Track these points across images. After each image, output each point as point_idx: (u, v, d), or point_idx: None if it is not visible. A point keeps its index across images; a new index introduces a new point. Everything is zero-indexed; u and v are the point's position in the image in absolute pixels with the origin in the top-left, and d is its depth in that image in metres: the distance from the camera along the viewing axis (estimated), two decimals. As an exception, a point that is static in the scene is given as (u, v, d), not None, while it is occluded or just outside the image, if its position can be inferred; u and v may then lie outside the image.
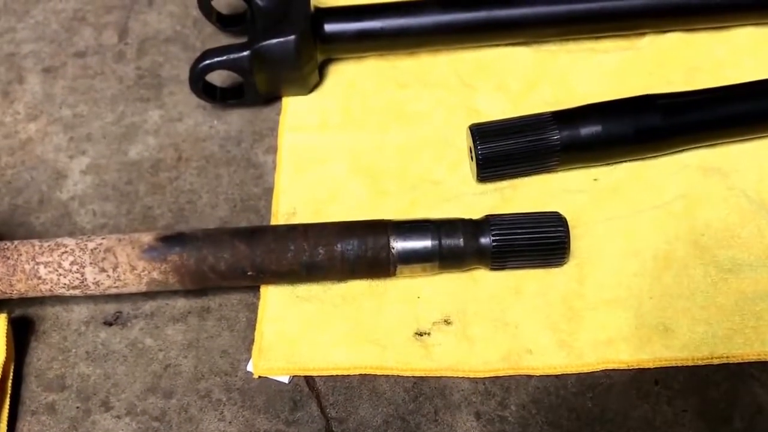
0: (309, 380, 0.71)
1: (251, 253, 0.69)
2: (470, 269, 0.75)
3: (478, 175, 0.79)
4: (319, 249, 0.70)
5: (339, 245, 0.70)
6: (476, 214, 0.76)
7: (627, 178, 0.81)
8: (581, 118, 0.79)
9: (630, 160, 0.82)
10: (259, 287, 0.76)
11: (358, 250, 0.70)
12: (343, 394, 0.70)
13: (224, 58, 0.83)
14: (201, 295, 0.76)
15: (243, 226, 0.79)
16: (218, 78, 0.88)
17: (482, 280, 0.75)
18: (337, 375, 0.72)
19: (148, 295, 0.76)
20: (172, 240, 0.70)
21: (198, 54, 0.84)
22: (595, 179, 0.81)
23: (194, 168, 0.85)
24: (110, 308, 0.76)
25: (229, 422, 0.69)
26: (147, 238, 0.71)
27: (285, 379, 0.71)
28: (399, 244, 0.70)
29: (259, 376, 0.72)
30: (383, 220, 0.72)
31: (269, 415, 0.70)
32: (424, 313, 0.74)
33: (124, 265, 0.70)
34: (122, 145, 0.87)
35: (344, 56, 0.90)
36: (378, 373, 0.71)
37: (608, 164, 0.82)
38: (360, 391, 0.70)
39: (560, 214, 0.73)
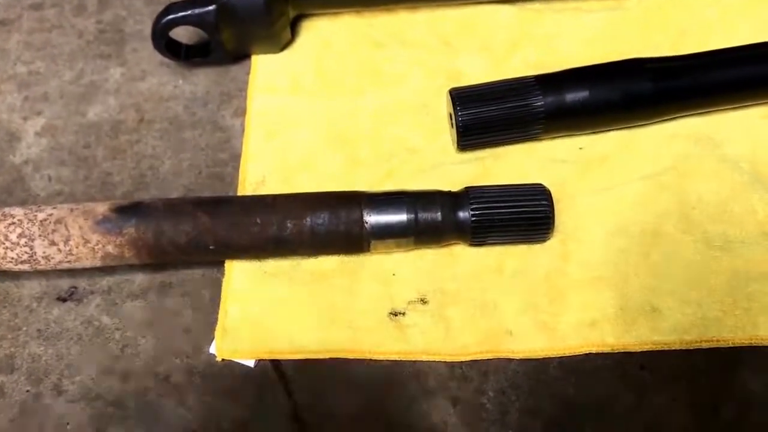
0: (276, 364, 0.67)
1: (214, 226, 0.65)
2: (449, 245, 0.70)
3: (458, 144, 0.75)
4: (287, 222, 0.66)
5: (309, 219, 0.66)
6: (456, 186, 0.71)
7: (614, 147, 0.76)
8: (566, 82, 0.74)
9: (618, 129, 0.77)
10: (224, 262, 0.71)
11: (329, 224, 0.66)
12: (313, 379, 0.67)
13: (189, 12, 0.78)
14: (162, 270, 0.72)
15: (206, 195, 0.74)
16: (184, 34, 0.82)
17: (461, 256, 0.71)
18: (307, 359, 0.68)
19: (105, 269, 0.71)
20: (128, 211, 0.65)
21: (162, 8, 0.78)
22: (581, 148, 0.77)
23: (157, 131, 0.80)
24: (64, 283, 0.72)
25: (190, 408, 0.66)
26: (101, 208, 0.66)
27: (250, 363, 0.67)
28: (373, 218, 0.66)
29: (223, 359, 0.68)
30: (356, 192, 0.68)
31: (233, 402, 0.66)
32: (400, 291, 0.70)
33: (77, 238, 0.65)
34: (80, 106, 0.82)
35: (318, 12, 0.85)
36: (350, 357, 0.67)
37: (595, 132, 0.77)
38: (331, 376, 0.67)
39: (544, 187, 0.69)
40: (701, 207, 0.73)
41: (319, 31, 0.86)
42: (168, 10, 0.78)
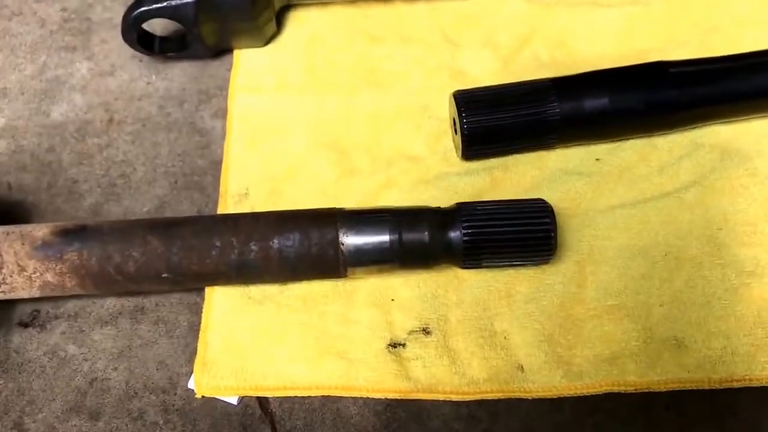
0: (262, 401, 0.61)
1: (167, 251, 0.58)
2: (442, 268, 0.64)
3: (462, 152, 0.68)
4: (251, 245, 0.59)
5: (276, 240, 0.59)
6: (460, 198, 0.66)
7: (634, 158, 0.70)
8: (585, 87, 0.68)
9: (637, 137, 0.70)
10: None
11: (299, 247, 0.59)
12: (302, 418, 0.60)
13: (164, 5, 0.70)
14: (133, 294, 0.64)
15: (160, 216, 0.67)
16: (159, 24, 0.74)
17: (467, 280, 0.65)
18: (296, 396, 0.61)
19: None
20: (70, 234, 0.58)
21: (133, -3, 0.70)
22: (598, 159, 0.70)
23: (128, 133, 0.72)
24: (26, 306, 0.64)
25: (166, 452, 0.58)
26: (41, 231, 0.59)
27: (233, 400, 0.61)
28: (350, 240, 0.59)
29: (203, 396, 0.61)
30: (331, 209, 0.61)
31: (214, 445, 0.59)
32: (399, 319, 0.63)
33: (11, 265, 0.58)
34: (43, 104, 0.74)
35: (306, 1, 0.77)
36: (344, 394, 0.61)
37: (613, 141, 0.70)
38: (322, 415, 0.60)
39: (545, 202, 0.62)
40: (729, 227, 0.66)
41: (308, 23, 0.79)
42: (140, 0, 0.70)
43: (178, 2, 0.70)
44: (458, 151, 0.69)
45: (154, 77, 0.75)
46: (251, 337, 0.63)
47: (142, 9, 0.70)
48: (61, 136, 0.72)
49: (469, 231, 0.60)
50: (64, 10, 0.80)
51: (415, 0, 0.79)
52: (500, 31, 0.78)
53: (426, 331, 0.63)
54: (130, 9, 0.70)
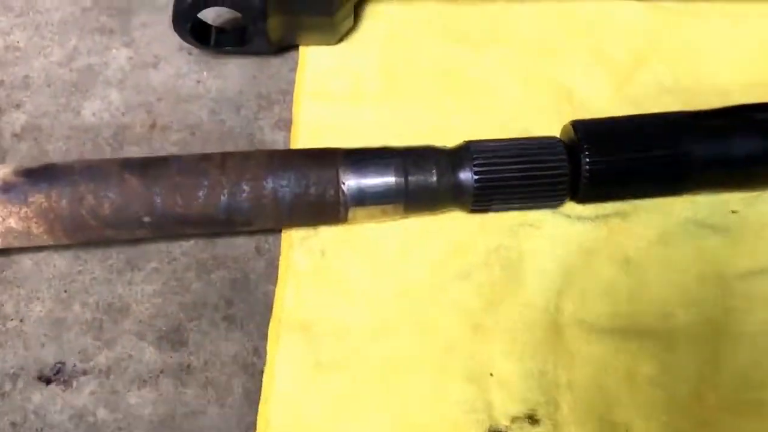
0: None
1: (147, 191, 0.52)
2: (559, 332, 0.54)
3: (579, 194, 0.57)
4: (242, 185, 0.53)
5: (269, 180, 0.53)
6: (569, 251, 0.57)
7: (777, 211, 0.58)
8: (733, 125, 0.57)
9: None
10: (262, 338, 0.54)
11: (295, 187, 0.53)
12: None
13: (227, -10, 0.57)
14: (178, 345, 0.53)
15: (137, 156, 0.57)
16: (210, 12, 0.62)
17: (579, 354, 0.54)
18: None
19: (103, 339, 0.54)
20: (36, 174, 0.52)
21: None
22: (734, 211, 0.59)
23: (174, 143, 0.61)
24: (48, 354, 0.53)
25: None
26: (2, 171, 0.52)
27: (301, 494, 0.49)
28: (352, 180, 0.54)
29: (264, 486, 0.49)
30: (330, 149, 0.56)
31: None
32: (500, 400, 0.53)
33: None
34: (73, 99, 0.62)
35: (389, -6, 0.65)
36: (432, 493, 0.49)
37: (752, 190, 0.59)
38: None
39: (559, 140, 0.57)
40: None
41: (388, 18, 0.67)
42: (198, -17, 0.58)
43: (244, -11, 0.57)
44: (569, 189, 0.57)
45: (205, 74, 0.63)
46: (321, 413, 0.52)
47: (200, -5, 0.57)
48: (94, 141, 0.61)
49: (481, 171, 0.55)
50: (99, -17, 0.67)
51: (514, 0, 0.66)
52: (614, 44, 0.66)
53: (533, 420, 0.52)
54: (185, -7, 0.58)
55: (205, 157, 0.53)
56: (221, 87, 0.63)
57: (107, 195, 0.51)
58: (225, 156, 0.53)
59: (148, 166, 0.53)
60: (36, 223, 0.51)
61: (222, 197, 0.52)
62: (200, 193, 0.52)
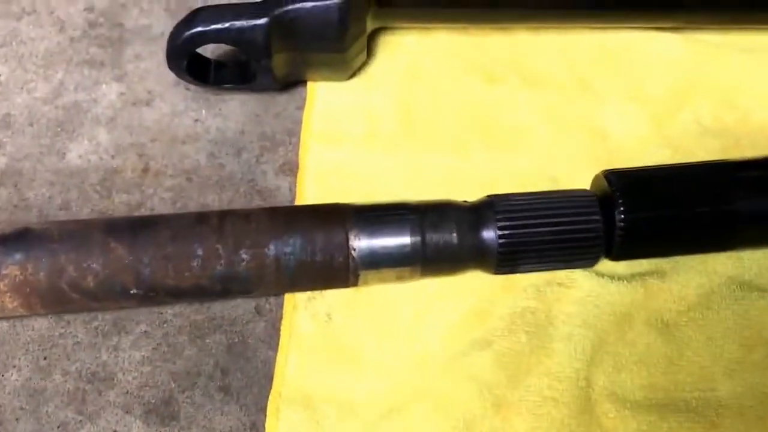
0: None
1: (135, 261, 0.47)
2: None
3: (613, 251, 0.52)
4: (241, 253, 0.48)
5: (272, 247, 0.48)
6: (601, 313, 0.51)
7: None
8: None
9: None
10: (261, 412, 0.49)
11: (301, 254, 0.48)
12: None
13: (226, 25, 0.53)
14: (168, 419, 0.49)
15: (122, 216, 0.53)
16: (212, 46, 0.57)
17: (612, 428, 0.49)
18: None
19: (85, 413, 0.49)
20: (10, 241, 0.47)
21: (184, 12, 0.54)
22: (783, 267, 0.52)
23: (168, 189, 0.55)
24: (24, 430, 0.48)
25: None
26: None
27: None
28: (363, 243, 0.49)
29: None
30: (339, 205, 0.51)
31: None
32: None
33: None
34: (58, 140, 0.57)
35: (406, 24, 0.59)
36: None
37: (803, 246, 0.53)
38: None
39: (592, 193, 0.52)
40: None
41: (406, 51, 0.62)
42: (195, 18, 0.53)
43: (245, 24, 0.52)
44: (603, 247, 0.52)
45: (204, 112, 0.58)
46: None
47: (197, 30, 0.53)
48: (80, 187, 0.56)
49: (506, 231, 0.50)
50: (89, 10, 0.62)
51: (541, 30, 0.61)
52: (651, 80, 0.61)
53: None
54: (180, 29, 0.53)
55: (201, 219, 0.48)
56: (221, 127, 0.58)
57: (90, 266, 0.47)
58: (223, 217, 0.48)
59: (136, 232, 0.47)
60: (10, 297, 0.46)
61: (218, 267, 0.47)
62: (194, 264, 0.47)
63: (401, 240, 0.49)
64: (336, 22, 0.53)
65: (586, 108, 0.60)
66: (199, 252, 0.47)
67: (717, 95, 0.60)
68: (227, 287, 0.48)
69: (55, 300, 0.47)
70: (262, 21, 0.53)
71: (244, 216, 0.49)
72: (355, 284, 0.50)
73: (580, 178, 0.55)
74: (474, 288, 0.53)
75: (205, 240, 0.47)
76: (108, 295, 0.47)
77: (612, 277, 0.53)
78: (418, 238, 0.49)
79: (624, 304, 0.52)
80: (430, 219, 0.50)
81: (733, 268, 0.54)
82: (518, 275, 0.53)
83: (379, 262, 0.49)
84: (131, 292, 0.47)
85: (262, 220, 0.48)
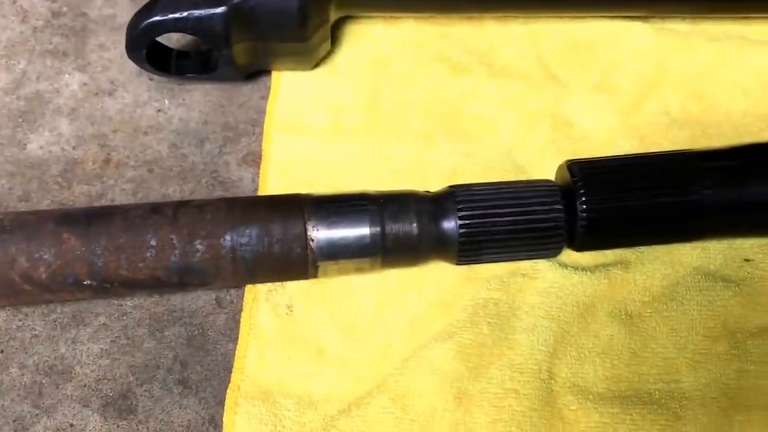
0: None
1: (88, 252, 0.46)
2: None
3: (576, 242, 0.52)
4: (196, 244, 0.47)
5: (228, 238, 0.47)
6: (565, 304, 0.51)
7: (795, 262, 0.52)
8: (749, 165, 0.52)
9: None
10: (220, 405, 0.48)
11: (257, 245, 0.48)
12: None
13: (185, 14, 0.53)
14: (126, 413, 0.48)
15: (77, 207, 0.52)
16: (175, 35, 0.56)
17: (573, 420, 0.48)
18: None
19: (42, 407, 0.48)
20: None
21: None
22: (748, 260, 0.53)
23: (129, 180, 0.55)
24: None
25: None
26: None
27: None
28: (322, 233, 0.48)
29: None
30: (298, 195, 0.50)
31: None
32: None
33: None
34: (19, 131, 0.57)
35: (370, 13, 0.59)
36: None
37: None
38: None
39: (554, 183, 0.51)
40: None
41: (371, 42, 0.62)
42: (154, 7, 0.52)
43: (203, 12, 0.52)
44: (566, 237, 0.51)
45: (167, 102, 0.58)
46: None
47: (154, 20, 0.52)
48: (40, 179, 0.55)
49: (467, 221, 0.49)
50: (53, 0, 0.61)
51: (509, 19, 0.60)
52: (619, 71, 0.61)
53: (522, 504, 0.46)
54: (138, 17, 0.53)
55: (155, 209, 0.48)
56: (184, 117, 0.58)
57: (42, 257, 0.46)
58: (178, 207, 0.48)
59: (89, 222, 0.47)
60: None
61: (173, 258, 0.47)
62: (148, 254, 0.47)
63: (360, 231, 0.49)
64: (296, 10, 0.53)
65: (552, 98, 0.60)
66: (153, 242, 0.47)
67: (685, 85, 0.60)
68: (184, 279, 0.48)
69: (6, 292, 0.47)
70: (221, 10, 0.52)
71: (200, 206, 0.48)
72: (314, 276, 0.49)
73: (546, 169, 0.55)
74: (437, 280, 0.52)
75: (158, 230, 0.47)
76: (61, 287, 0.47)
77: (576, 268, 0.53)
78: (377, 229, 0.49)
79: (587, 295, 0.52)
80: (390, 210, 0.50)
81: (698, 258, 0.53)
82: (482, 266, 0.53)
83: (338, 253, 0.49)
84: (85, 283, 0.47)
85: (218, 211, 0.48)
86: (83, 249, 0.46)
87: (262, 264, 0.48)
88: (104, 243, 0.46)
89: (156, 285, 0.48)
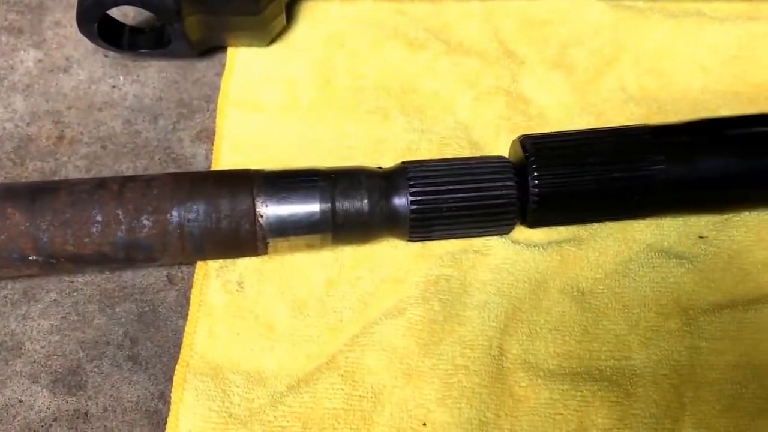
0: None
1: (33, 226, 0.46)
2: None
3: (528, 218, 0.51)
4: (143, 219, 0.47)
5: (175, 213, 0.47)
6: (516, 280, 0.51)
7: (749, 238, 0.53)
8: (700, 141, 0.51)
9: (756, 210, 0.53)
10: (169, 382, 0.48)
11: (205, 221, 0.47)
12: None
13: (135, -12, 0.51)
14: (75, 389, 0.48)
15: (23, 181, 0.52)
16: (130, 11, 0.55)
17: (525, 401, 0.48)
18: None
19: None
20: None
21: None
22: (702, 237, 0.53)
23: (82, 157, 0.55)
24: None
25: None
26: None
27: None
28: (271, 210, 0.48)
29: None
30: (247, 170, 0.50)
31: None
32: (433, 456, 0.46)
33: None
34: (-28, 107, 0.56)
35: (327, -10, 0.59)
36: None
37: (722, 213, 0.53)
38: None
39: (507, 159, 0.51)
40: None
41: (326, 19, 0.62)
42: (103, -21, 0.51)
43: (155, -13, 0.51)
44: (518, 214, 0.51)
45: (121, 79, 0.57)
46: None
47: (106, -7, 0.51)
48: (-8, 155, 0.54)
49: (418, 197, 0.49)
50: (8, -23, 0.61)
51: (467, -3, 0.60)
52: (576, 47, 0.61)
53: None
54: (89, -9, 0.52)
55: (101, 184, 0.47)
56: (139, 93, 0.57)
57: None
58: (124, 183, 0.47)
59: (34, 197, 0.46)
60: None
61: (119, 233, 0.46)
62: (93, 230, 0.46)
63: (310, 207, 0.48)
64: (249, -19, 0.52)
65: (509, 74, 0.59)
66: (99, 218, 0.46)
67: (642, 62, 0.60)
68: (130, 255, 0.47)
69: None
70: (171, -17, 0.52)
71: (147, 181, 0.47)
72: (264, 252, 0.49)
73: (502, 145, 0.55)
74: (389, 256, 0.52)
75: (104, 205, 0.46)
76: (6, 262, 0.46)
77: (528, 245, 0.53)
78: (328, 205, 0.48)
79: (540, 272, 0.52)
80: (340, 186, 0.49)
81: (651, 235, 0.53)
82: (434, 243, 0.52)
83: (287, 229, 0.48)
84: (30, 258, 0.46)
85: (165, 186, 0.47)
86: (28, 224, 0.46)
87: (210, 240, 0.47)
88: (49, 218, 0.46)
89: (102, 260, 0.47)
